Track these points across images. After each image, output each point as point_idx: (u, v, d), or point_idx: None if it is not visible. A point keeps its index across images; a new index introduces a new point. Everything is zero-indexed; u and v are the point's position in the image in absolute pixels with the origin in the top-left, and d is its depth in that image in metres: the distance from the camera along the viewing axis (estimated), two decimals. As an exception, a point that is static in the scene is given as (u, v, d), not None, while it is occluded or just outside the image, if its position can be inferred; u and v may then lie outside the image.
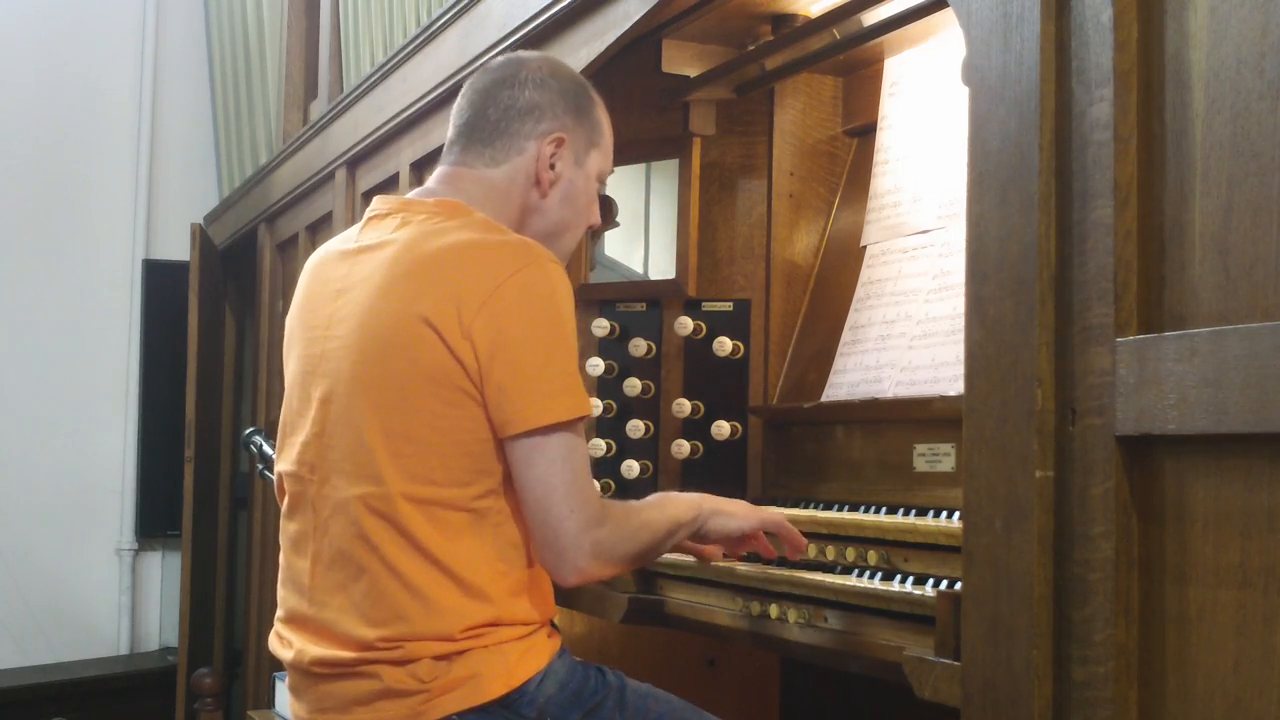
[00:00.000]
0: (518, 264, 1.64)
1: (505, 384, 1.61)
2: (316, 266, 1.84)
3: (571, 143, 1.84)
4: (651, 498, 1.83)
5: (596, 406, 2.54)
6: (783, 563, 1.92)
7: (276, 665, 3.59)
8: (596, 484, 2.19)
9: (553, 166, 1.83)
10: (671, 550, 1.87)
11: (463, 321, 1.61)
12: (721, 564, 1.97)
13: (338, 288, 1.76)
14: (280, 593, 1.78)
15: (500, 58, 1.92)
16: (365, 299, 1.69)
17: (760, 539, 1.88)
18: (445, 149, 1.88)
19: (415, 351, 1.63)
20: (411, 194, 1.84)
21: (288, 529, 1.78)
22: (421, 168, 3.07)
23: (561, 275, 1.68)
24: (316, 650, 1.68)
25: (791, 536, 1.87)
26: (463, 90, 1.89)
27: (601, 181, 1.92)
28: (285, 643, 1.75)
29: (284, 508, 1.80)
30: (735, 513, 1.84)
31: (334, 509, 1.68)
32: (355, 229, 1.83)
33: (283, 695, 3.08)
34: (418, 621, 1.62)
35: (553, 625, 1.75)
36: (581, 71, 2.23)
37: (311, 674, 1.69)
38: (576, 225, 1.89)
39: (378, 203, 1.82)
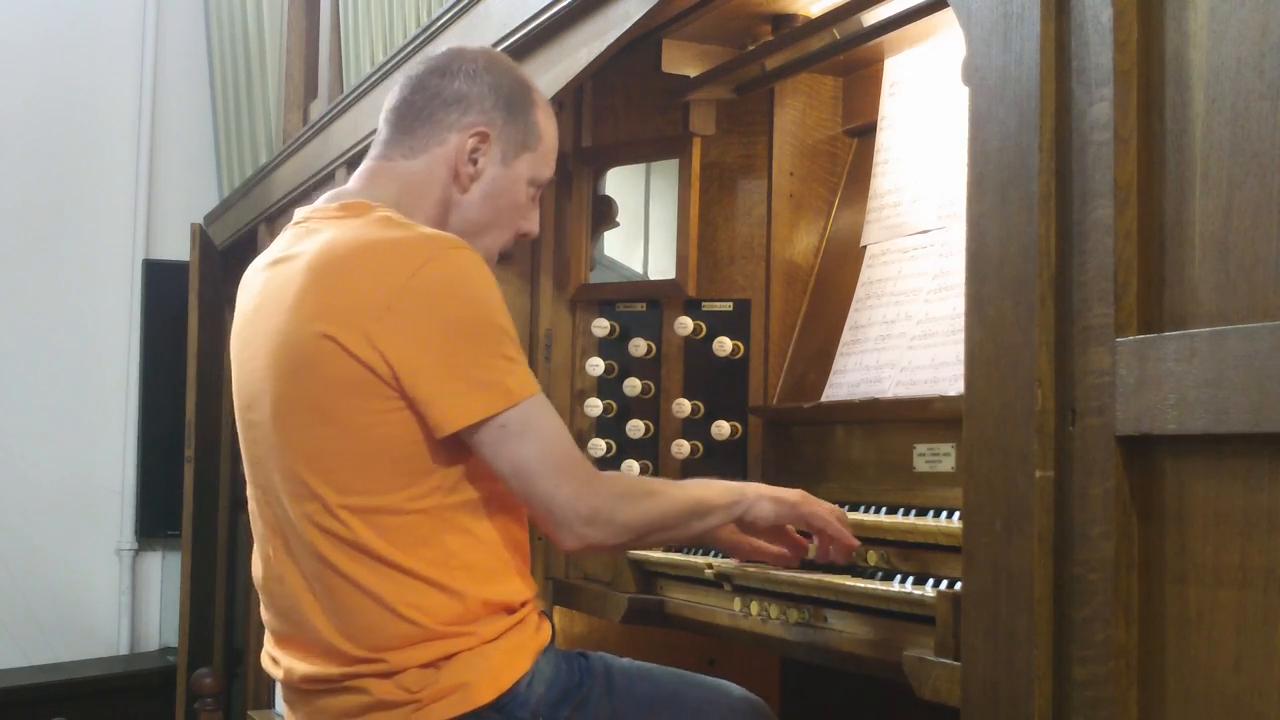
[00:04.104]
0: (418, 262, 1.58)
1: (423, 390, 1.56)
2: (243, 284, 1.80)
3: (498, 140, 1.77)
4: (687, 480, 1.80)
5: (596, 407, 2.54)
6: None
7: (276, 665, 3.58)
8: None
9: (474, 162, 1.76)
10: (710, 538, 1.84)
11: (368, 332, 1.56)
12: (751, 569, 1.94)
13: (255, 305, 1.72)
14: (263, 615, 1.76)
15: (444, 48, 1.88)
16: (274, 318, 1.65)
17: (790, 537, 1.84)
18: (374, 140, 1.82)
19: (322, 368, 1.59)
20: (323, 197, 1.79)
21: (257, 552, 1.76)
22: (421, 168, 3.06)
23: (469, 259, 1.61)
24: (304, 668, 1.67)
25: (840, 537, 1.79)
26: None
27: (535, 188, 1.84)
28: (275, 662, 1.74)
29: (252, 529, 1.77)
30: (781, 498, 1.78)
31: (288, 530, 1.66)
32: (277, 241, 1.78)
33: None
34: (390, 629, 1.60)
35: (543, 614, 1.73)
36: (581, 71, 2.23)
37: (302, 690, 1.68)
38: (499, 227, 1.81)
39: (296, 213, 1.78)
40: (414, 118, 1.78)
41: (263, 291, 1.71)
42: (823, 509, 1.80)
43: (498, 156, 1.78)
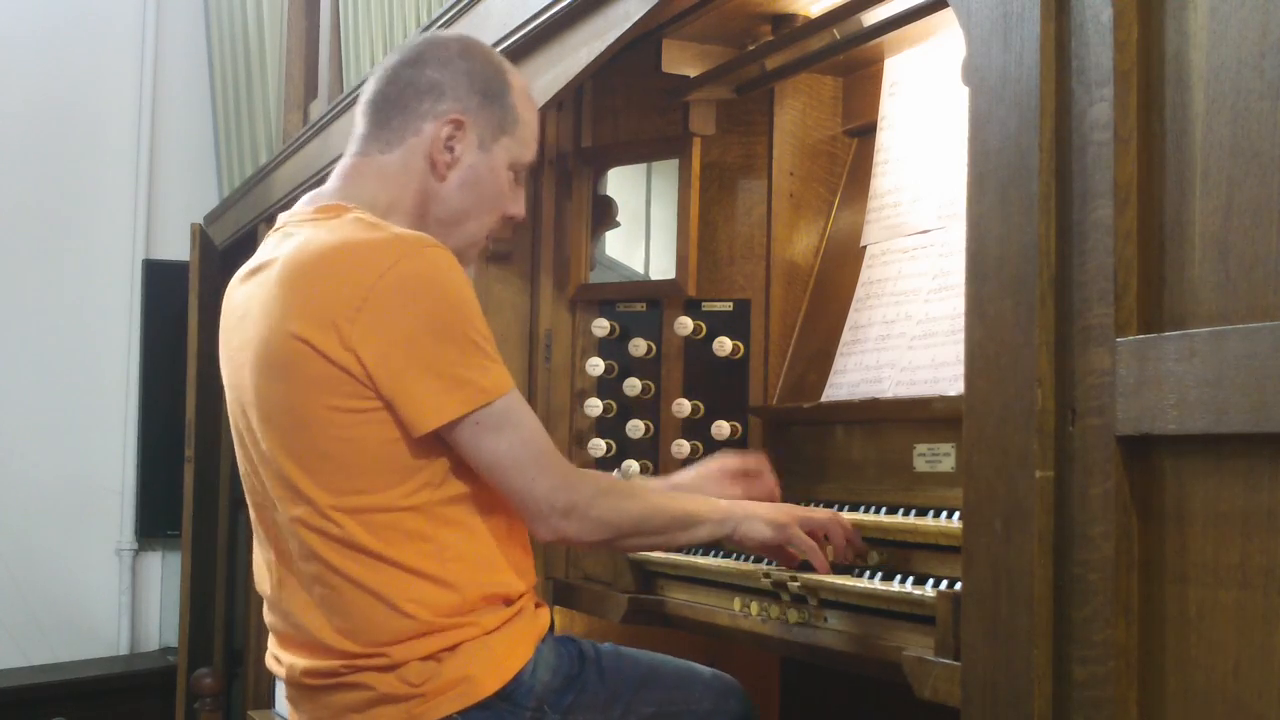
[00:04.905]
0: (388, 261, 1.58)
1: (396, 391, 1.57)
2: (226, 296, 1.82)
3: (474, 126, 1.76)
4: (678, 492, 1.82)
5: (596, 407, 2.53)
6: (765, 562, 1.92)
7: (276, 665, 3.58)
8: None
9: (452, 150, 1.75)
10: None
11: (341, 333, 1.56)
12: (742, 566, 1.95)
13: (240, 314, 1.73)
14: (266, 617, 1.78)
15: (417, 36, 1.88)
16: (256, 323, 1.66)
17: (784, 551, 1.85)
18: (351, 136, 1.82)
19: (296, 370, 1.59)
20: (302, 200, 1.78)
21: (256, 556, 1.77)
22: (421, 168, 3.06)
23: (439, 258, 1.61)
24: (305, 662, 1.68)
25: (821, 568, 1.80)
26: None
27: (516, 172, 1.82)
28: (278, 661, 1.75)
29: (255, 537, 1.79)
30: (772, 519, 1.79)
31: (283, 533, 1.67)
32: (259, 249, 1.79)
33: (283, 695, 3.08)
34: (390, 624, 1.60)
35: (540, 602, 1.74)
36: (581, 71, 2.23)
37: (305, 686, 1.69)
38: (481, 214, 1.80)
39: (279, 218, 1.78)
40: (389, 109, 1.77)
41: (246, 301, 1.72)
42: (804, 541, 1.79)
43: (475, 143, 1.77)
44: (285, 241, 1.69)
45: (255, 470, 1.70)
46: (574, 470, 1.67)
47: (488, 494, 1.66)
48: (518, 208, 1.85)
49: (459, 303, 1.60)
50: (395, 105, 1.76)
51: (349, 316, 1.56)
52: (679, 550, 2.20)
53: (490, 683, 1.61)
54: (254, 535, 1.77)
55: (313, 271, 1.61)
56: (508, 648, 1.64)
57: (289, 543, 1.66)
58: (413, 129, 1.75)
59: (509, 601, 1.66)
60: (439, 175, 1.76)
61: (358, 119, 1.80)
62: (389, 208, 1.72)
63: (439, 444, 1.62)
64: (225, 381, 1.78)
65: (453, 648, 1.61)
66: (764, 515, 1.79)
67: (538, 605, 1.73)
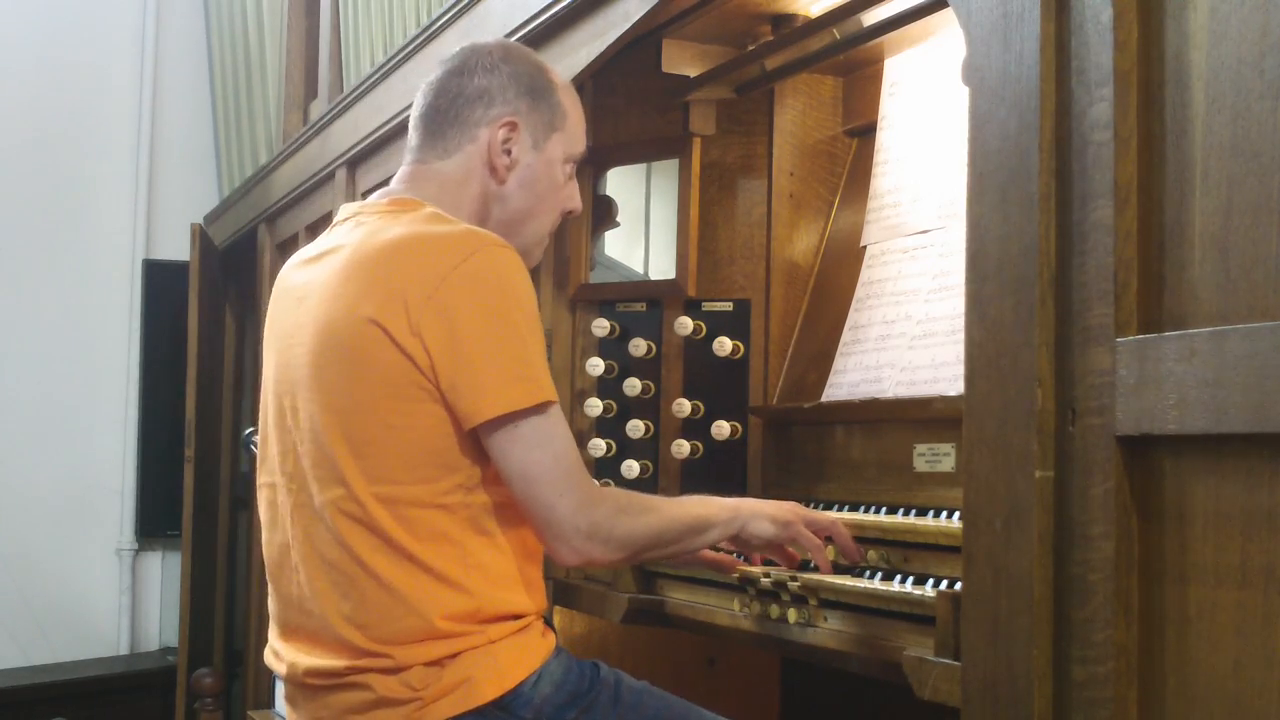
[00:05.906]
0: (462, 254, 1.62)
1: (458, 378, 1.59)
2: (283, 276, 1.84)
3: (526, 126, 1.81)
4: (684, 497, 1.82)
5: (596, 407, 2.54)
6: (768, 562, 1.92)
7: (276, 665, 3.58)
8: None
9: (508, 152, 1.80)
10: (700, 554, 1.85)
11: (410, 318, 1.59)
12: (742, 566, 1.95)
13: (299, 296, 1.75)
14: (271, 606, 1.77)
15: (458, 48, 1.91)
16: (319, 305, 1.68)
17: (785, 550, 1.85)
18: (406, 147, 1.86)
19: (365, 353, 1.62)
20: (372, 196, 1.82)
21: (271, 541, 1.77)
22: (421, 168, 3.06)
23: (512, 259, 1.65)
24: (308, 661, 1.68)
25: (824, 567, 1.81)
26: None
27: (571, 165, 1.87)
28: (278, 657, 1.75)
29: (264, 520, 1.79)
30: (777, 517, 1.80)
31: (312, 516, 1.67)
32: (323, 236, 1.82)
33: (283, 695, 3.08)
34: (401, 621, 1.61)
35: (549, 624, 1.75)
36: (581, 71, 2.24)
37: (306, 686, 1.69)
38: (542, 211, 1.85)
39: (341, 209, 1.82)
40: (442, 120, 1.81)
41: (306, 284, 1.74)
42: (810, 539, 1.80)
43: (529, 143, 1.82)
44: (356, 230, 1.73)
45: (293, 449, 1.70)
46: (596, 489, 1.67)
47: (515, 510, 1.67)
48: (575, 202, 1.90)
49: (524, 305, 1.64)
50: (448, 116, 1.80)
51: (419, 303, 1.59)
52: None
53: (489, 689, 1.61)
54: (270, 519, 1.77)
55: (388, 259, 1.64)
56: (512, 658, 1.64)
57: (316, 526, 1.66)
58: (469, 136, 1.80)
59: (518, 618, 1.67)
60: (499, 179, 1.81)
61: (411, 133, 1.85)
62: (451, 211, 1.76)
63: (478, 449, 1.63)
64: (270, 361, 1.79)
65: (456, 654, 1.61)
66: (769, 513, 1.80)
67: (545, 627, 1.72)
